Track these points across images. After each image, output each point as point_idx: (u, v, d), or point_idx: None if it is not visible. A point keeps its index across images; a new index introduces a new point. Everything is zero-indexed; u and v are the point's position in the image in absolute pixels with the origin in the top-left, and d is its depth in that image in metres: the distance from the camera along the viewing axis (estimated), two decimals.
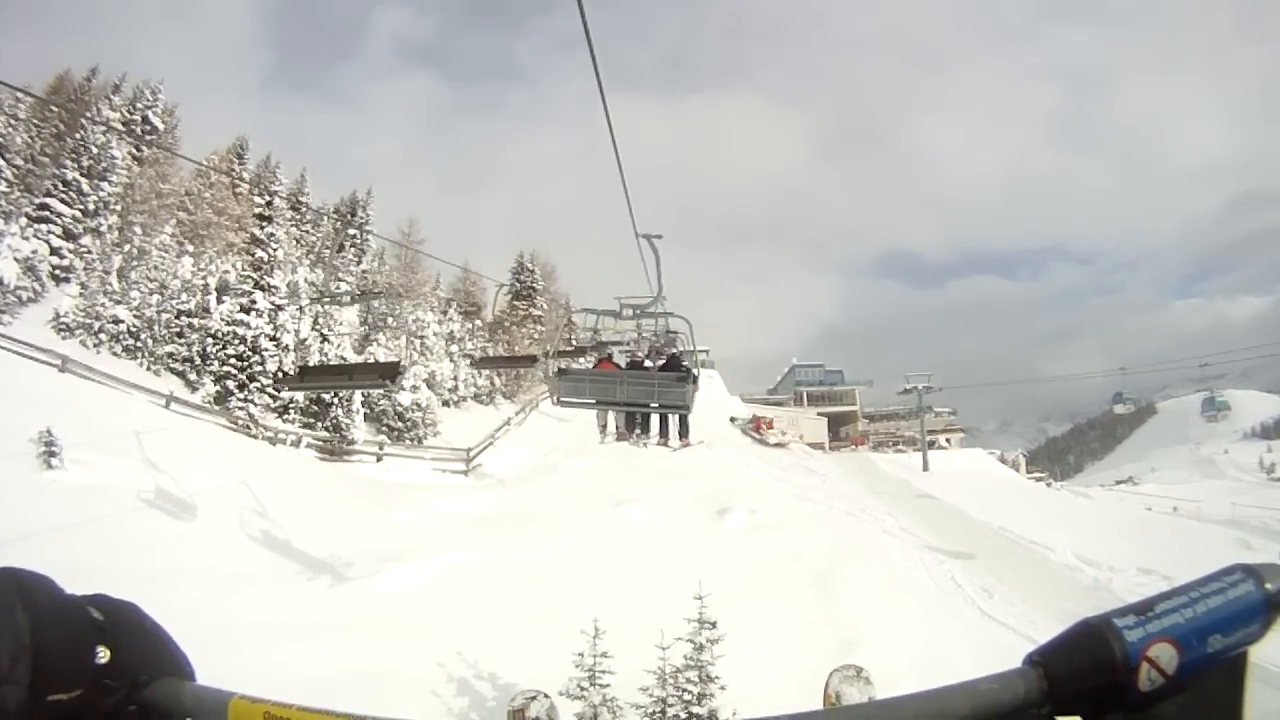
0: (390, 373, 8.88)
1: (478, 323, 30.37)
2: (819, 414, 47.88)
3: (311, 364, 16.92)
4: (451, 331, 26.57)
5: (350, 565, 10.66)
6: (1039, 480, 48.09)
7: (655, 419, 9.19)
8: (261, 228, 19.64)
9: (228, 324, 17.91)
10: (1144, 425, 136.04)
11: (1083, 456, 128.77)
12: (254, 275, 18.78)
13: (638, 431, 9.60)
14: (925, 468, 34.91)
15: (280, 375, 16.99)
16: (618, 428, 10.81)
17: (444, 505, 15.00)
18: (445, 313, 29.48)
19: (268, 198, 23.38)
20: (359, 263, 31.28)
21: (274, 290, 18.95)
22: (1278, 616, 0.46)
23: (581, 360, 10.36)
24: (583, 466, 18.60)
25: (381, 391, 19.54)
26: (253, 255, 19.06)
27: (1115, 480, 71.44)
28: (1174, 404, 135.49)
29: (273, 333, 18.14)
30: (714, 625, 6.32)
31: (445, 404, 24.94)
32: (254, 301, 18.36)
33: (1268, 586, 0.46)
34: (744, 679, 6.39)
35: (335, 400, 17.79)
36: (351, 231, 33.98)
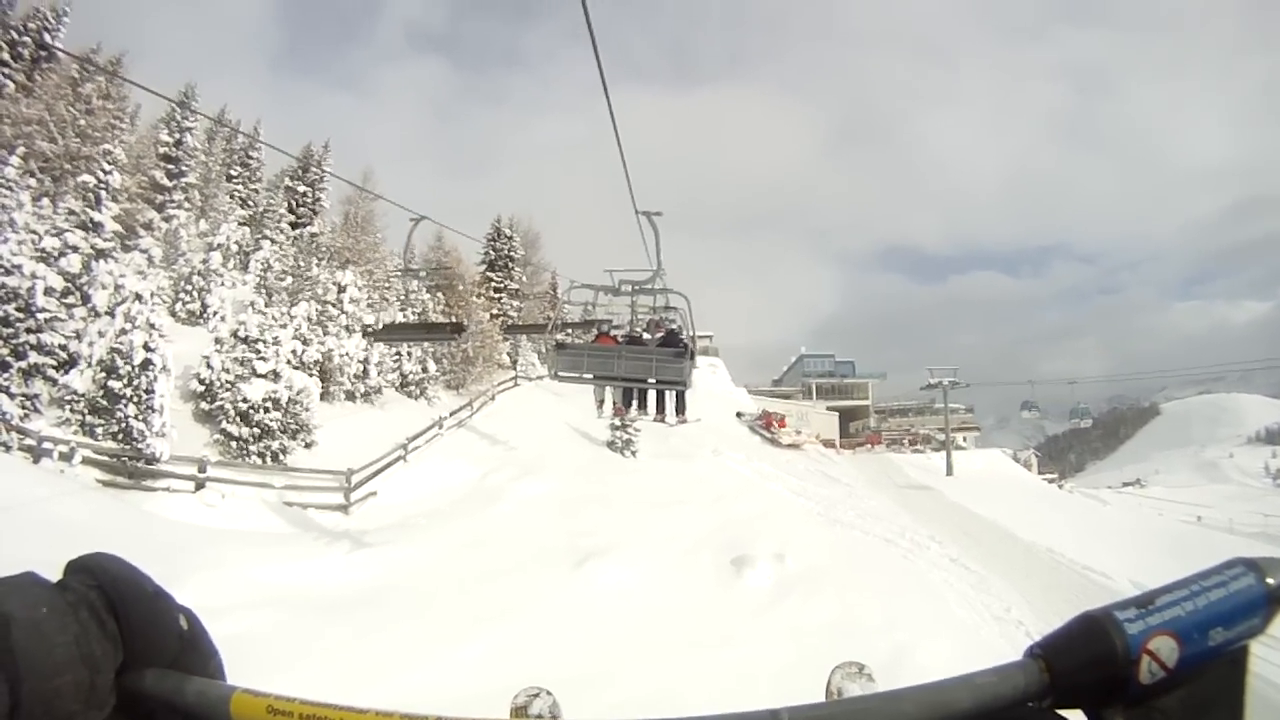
0: (459, 330, 10.22)
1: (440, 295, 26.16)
2: (829, 408, 43.94)
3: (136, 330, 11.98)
4: (406, 292, 22.04)
5: None
6: (1051, 481, 46.00)
7: (653, 395, 9.13)
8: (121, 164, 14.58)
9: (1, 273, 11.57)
10: (1146, 426, 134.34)
11: (1084, 455, 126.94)
12: (76, 210, 13.22)
13: (635, 405, 9.62)
14: (950, 471, 31.37)
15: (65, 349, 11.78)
16: (615, 403, 11.01)
17: (271, 578, 8.45)
18: (405, 281, 25.18)
19: (177, 135, 18.91)
20: (305, 223, 26.90)
21: (98, 229, 13.35)
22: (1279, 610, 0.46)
23: (572, 336, 10.02)
24: (537, 492, 13.86)
25: (221, 383, 14.32)
26: (75, 179, 13.53)
27: (1122, 482, 69.47)
28: (1177, 405, 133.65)
29: (81, 286, 12.33)
30: None
31: (350, 397, 18.57)
32: (40, 242, 12.30)
33: (1269, 581, 0.45)
34: None
35: (127, 394, 11.49)
36: (302, 189, 29.68)
